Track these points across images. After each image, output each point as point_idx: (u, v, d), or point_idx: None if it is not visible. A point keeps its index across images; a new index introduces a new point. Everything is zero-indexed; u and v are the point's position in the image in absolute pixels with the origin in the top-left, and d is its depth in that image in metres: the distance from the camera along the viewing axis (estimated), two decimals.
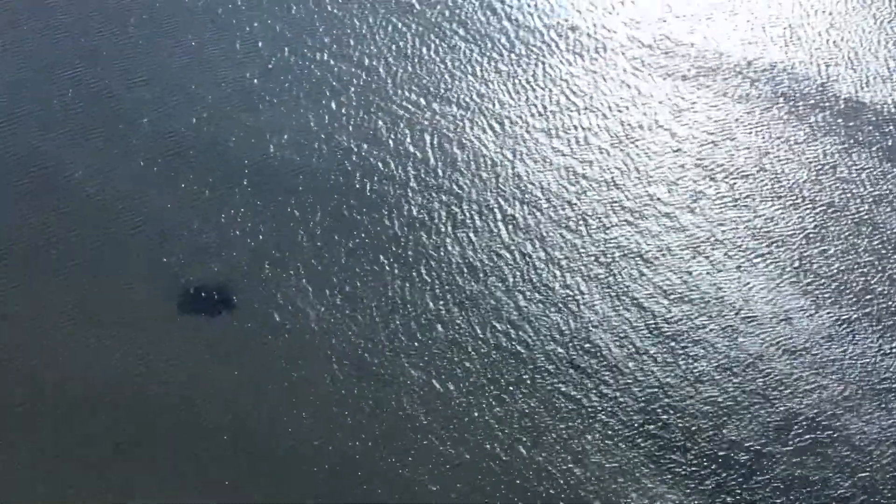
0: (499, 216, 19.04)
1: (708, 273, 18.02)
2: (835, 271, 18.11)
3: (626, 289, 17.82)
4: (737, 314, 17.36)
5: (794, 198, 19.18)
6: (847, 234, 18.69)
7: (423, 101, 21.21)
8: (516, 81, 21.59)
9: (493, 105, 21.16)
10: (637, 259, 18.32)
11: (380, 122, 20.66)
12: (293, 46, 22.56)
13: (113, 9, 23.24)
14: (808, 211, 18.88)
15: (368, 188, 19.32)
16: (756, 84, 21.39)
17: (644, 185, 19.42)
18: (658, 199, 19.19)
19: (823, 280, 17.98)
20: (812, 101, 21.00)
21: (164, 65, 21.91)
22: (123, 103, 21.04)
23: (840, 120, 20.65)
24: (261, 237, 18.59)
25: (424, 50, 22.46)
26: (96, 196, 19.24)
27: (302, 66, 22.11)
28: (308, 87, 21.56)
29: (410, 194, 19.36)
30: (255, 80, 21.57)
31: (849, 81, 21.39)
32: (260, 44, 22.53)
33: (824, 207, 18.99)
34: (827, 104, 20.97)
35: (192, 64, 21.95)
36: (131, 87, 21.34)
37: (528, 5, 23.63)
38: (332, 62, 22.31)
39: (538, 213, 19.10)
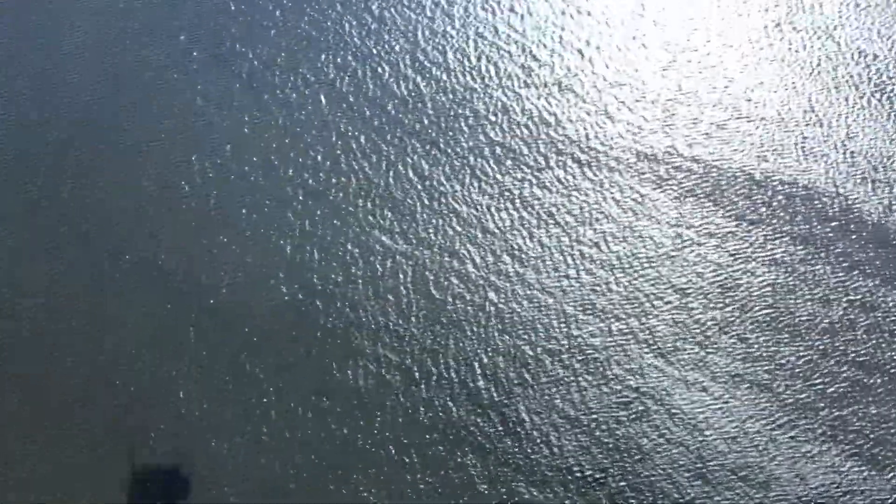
0: (478, 372, 16.58)
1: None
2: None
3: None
4: None
5: (823, 356, 16.71)
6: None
7: (399, 230, 18.76)
8: (502, 203, 19.16)
9: (477, 233, 18.64)
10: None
11: (349, 258, 18.32)
12: (260, 172, 20.30)
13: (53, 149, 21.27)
14: (844, 368, 16.50)
15: (333, 337, 16.91)
16: (771, 205, 18.83)
17: (650, 355, 16.82)
18: (658, 368, 16.82)
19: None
20: (834, 225, 18.41)
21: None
22: (75, 224, 19.01)
23: (870, 251, 18.06)
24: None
25: (401, 167, 19.99)
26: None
27: (267, 192, 19.83)
28: (277, 221, 19.28)
29: (381, 349, 16.96)
30: (217, 211, 19.37)
31: (874, 202, 18.78)
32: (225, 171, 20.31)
33: (856, 367, 16.63)
34: (852, 228, 18.45)
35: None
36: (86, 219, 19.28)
37: (517, 114, 20.96)
38: (298, 182, 19.88)
39: (525, 373, 16.78)
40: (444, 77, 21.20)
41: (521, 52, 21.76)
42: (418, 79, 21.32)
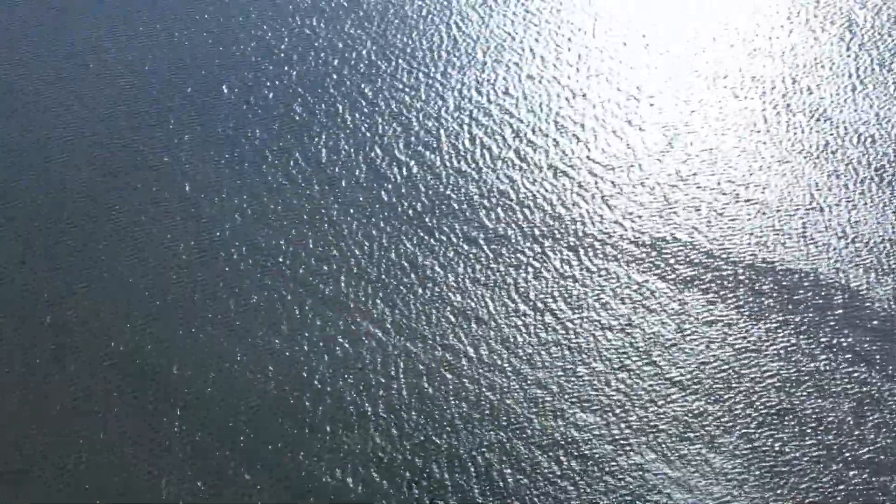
0: (472, 471, 15.87)
1: None
2: None
3: None
4: None
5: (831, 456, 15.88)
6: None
7: (391, 321, 17.94)
8: (496, 293, 18.37)
9: (472, 325, 17.82)
10: None
11: (339, 350, 17.52)
12: (248, 260, 19.47)
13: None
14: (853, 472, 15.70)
15: (322, 433, 16.08)
16: (774, 294, 18.08)
17: (650, 453, 15.95)
18: (659, 467, 15.88)
19: None
20: (840, 315, 17.62)
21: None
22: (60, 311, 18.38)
23: (877, 343, 17.19)
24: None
25: (393, 255, 19.24)
26: None
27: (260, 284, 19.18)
28: (264, 310, 18.52)
29: (370, 447, 16.00)
30: (204, 301, 18.65)
31: (880, 292, 17.99)
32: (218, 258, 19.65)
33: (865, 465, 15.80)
34: (859, 319, 17.63)
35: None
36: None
37: (512, 200, 20.24)
38: (289, 273, 19.19)
39: (520, 472, 15.96)
40: (438, 161, 20.73)
41: (516, 135, 21.41)
42: (412, 163, 20.92)
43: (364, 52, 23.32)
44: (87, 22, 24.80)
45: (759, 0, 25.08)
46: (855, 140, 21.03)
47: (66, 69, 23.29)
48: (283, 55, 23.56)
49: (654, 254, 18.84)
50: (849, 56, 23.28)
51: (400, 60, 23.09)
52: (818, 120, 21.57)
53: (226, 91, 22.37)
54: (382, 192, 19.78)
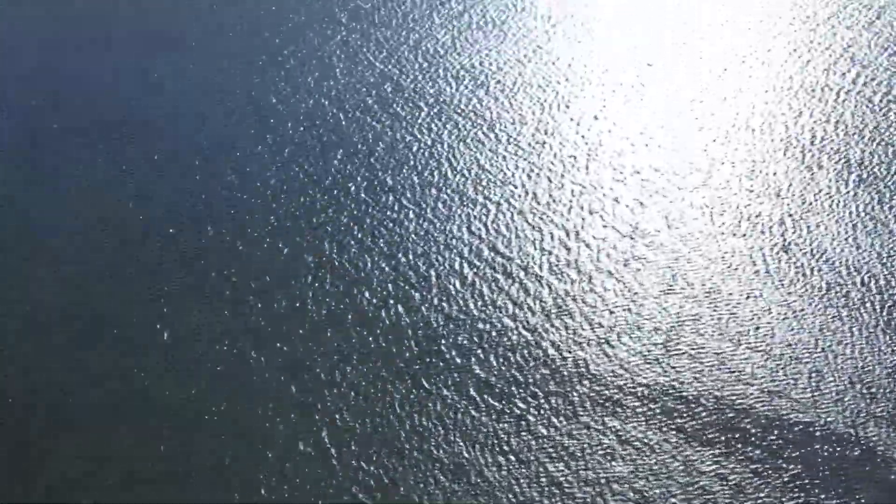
0: None
1: None
2: None
3: None
4: None
5: None
6: None
7: (380, 485, 16.60)
8: (489, 451, 17.10)
9: (465, 487, 16.41)
10: None
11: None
12: (234, 419, 18.49)
13: None
14: None
15: None
16: (787, 448, 16.94)
17: None
18: None
19: None
20: (856, 471, 16.49)
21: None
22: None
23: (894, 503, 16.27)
24: None
25: (382, 409, 17.96)
26: None
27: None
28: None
29: None
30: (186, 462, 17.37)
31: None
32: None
33: None
34: (877, 475, 16.47)
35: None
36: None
37: (507, 347, 19.24)
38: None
39: None
40: (428, 306, 19.89)
41: (509, 277, 20.72)
42: (400, 308, 20.08)
43: (353, 187, 22.81)
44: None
45: (752, 136, 24.85)
46: (859, 281, 20.36)
47: None
48: (269, 191, 23.06)
49: (657, 404, 17.90)
50: (847, 194, 22.87)
51: (389, 197, 22.56)
52: (826, 261, 20.98)
53: (211, 231, 21.75)
54: (370, 338, 18.95)
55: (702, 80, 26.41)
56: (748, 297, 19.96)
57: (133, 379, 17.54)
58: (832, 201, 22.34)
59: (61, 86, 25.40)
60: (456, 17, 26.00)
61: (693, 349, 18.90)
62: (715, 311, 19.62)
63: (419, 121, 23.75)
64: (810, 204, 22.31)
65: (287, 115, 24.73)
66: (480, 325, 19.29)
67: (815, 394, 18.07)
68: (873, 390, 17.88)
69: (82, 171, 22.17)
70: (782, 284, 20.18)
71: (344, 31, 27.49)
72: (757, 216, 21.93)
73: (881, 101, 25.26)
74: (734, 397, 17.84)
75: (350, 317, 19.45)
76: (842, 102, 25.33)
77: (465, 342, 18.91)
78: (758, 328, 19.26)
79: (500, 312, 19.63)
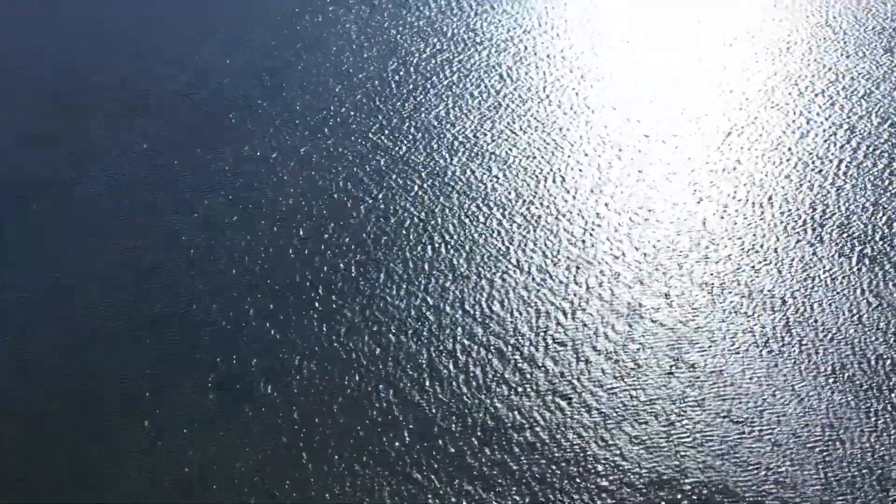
0: None
1: None
2: None
3: None
4: None
5: None
6: None
7: None
8: None
9: None
10: None
11: None
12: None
13: None
14: None
15: None
16: None
17: None
18: None
19: None
20: None
21: None
22: None
23: None
24: None
25: (376, 500, 17.07)
26: None
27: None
28: None
29: None
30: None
31: None
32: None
33: None
34: None
35: None
36: None
37: (504, 434, 18.24)
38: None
39: None
40: (421, 392, 18.93)
41: (504, 359, 19.99)
42: (391, 395, 19.14)
43: (342, 264, 22.20)
44: None
45: (753, 209, 24.37)
46: (866, 363, 19.69)
47: None
48: (257, 265, 22.50)
49: (658, 497, 17.09)
50: (852, 270, 22.31)
51: (381, 274, 21.94)
52: (832, 340, 20.33)
53: (196, 319, 21.11)
54: (360, 430, 18.17)
55: (701, 150, 26.02)
56: (753, 380, 19.25)
57: None
58: (836, 277, 21.78)
59: None
60: (450, 87, 25.66)
61: (697, 436, 18.16)
62: (720, 394, 18.90)
63: (412, 193, 23.27)
64: (814, 280, 21.74)
65: (276, 187, 24.25)
66: (474, 411, 18.52)
67: (827, 485, 17.29)
68: (888, 481, 17.11)
69: None
70: (788, 366, 19.49)
71: (336, 100, 27.14)
72: (760, 293, 21.31)
73: (883, 172, 24.83)
74: (742, 488, 17.05)
75: (339, 400, 18.73)
76: (843, 174, 24.89)
77: (458, 430, 18.11)
78: (764, 413, 18.55)
79: (495, 397, 18.86)
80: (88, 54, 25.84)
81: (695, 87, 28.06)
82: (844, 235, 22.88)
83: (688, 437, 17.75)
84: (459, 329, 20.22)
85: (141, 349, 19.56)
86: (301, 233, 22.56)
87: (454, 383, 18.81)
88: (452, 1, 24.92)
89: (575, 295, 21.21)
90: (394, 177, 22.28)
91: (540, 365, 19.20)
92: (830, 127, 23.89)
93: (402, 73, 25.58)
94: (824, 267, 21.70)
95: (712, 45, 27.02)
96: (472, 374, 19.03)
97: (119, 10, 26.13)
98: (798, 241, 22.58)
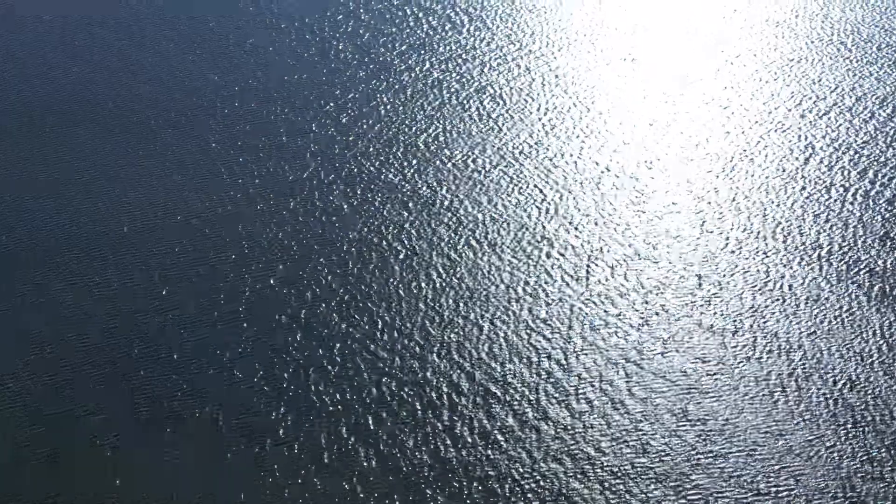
0: None
1: None
2: None
3: None
4: None
5: None
6: None
7: None
8: None
9: None
10: None
11: None
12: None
13: None
14: None
15: None
16: None
17: None
18: None
19: None
20: None
21: None
22: None
23: None
24: None
25: None
26: None
27: None
28: None
29: None
30: None
31: None
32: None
33: None
34: None
35: None
36: None
37: None
38: None
39: None
40: (413, 444, 17.31)
41: (504, 407, 18.32)
42: (381, 444, 17.53)
43: (334, 303, 20.83)
44: None
45: (763, 243, 23.17)
46: (888, 414, 18.53)
47: None
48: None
49: None
50: (868, 310, 21.20)
51: (373, 316, 20.58)
52: (844, 389, 19.06)
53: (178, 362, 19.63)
54: (345, 484, 16.73)
55: (703, 178, 24.83)
56: (768, 433, 17.98)
57: None
58: (851, 318, 20.59)
59: None
60: (450, 109, 24.45)
61: (709, 495, 16.96)
62: (732, 449, 17.60)
63: (406, 224, 21.98)
64: (829, 322, 20.55)
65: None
66: (472, 467, 17.26)
67: None
68: None
69: None
70: (804, 418, 18.23)
71: (322, 120, 25.91)
72: (774, 336, 20.03)
73: (893, 202, 23.74)
74: None
75: (328, 458, 17.45)
76: (851, 203, 23.82)
77: (455, 488, 16.86)
78: (781, 470, 17.30)
79: (494, 450, 17.59)
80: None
81: (695, 108, 26.95)
82: (856, 271, 21.68)
83: (698, 496, 16.41)
84: (455, 375, 18.82)
85: None
86: (289, 262, 21.24)
87: (451, 435, 17.38)
88: (445, 19, 23.71)
89: (577, 337, 19.93)
90: (378, 205, 20.93)
91: (540, 415, 17.85)
92: (835, 151, 22.83)
93: (390, 92, 24.38)
94: (840, 307, 20.42)
95: (712, 62, 25.96)
96: (469, 425, 17.63)
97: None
98: (809, 279, 21.36)
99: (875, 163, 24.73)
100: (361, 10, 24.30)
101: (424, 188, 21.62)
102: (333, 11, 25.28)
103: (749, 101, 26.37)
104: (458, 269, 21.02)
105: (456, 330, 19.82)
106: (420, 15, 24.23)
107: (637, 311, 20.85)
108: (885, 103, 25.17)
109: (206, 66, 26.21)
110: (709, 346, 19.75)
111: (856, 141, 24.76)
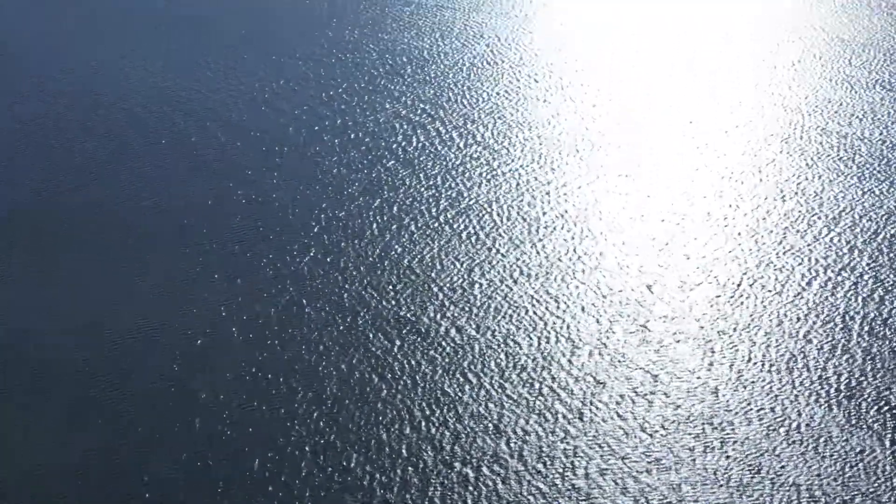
0: None
1: None
2: None
3: None
4: None
5: None
6: None
7: None
8: None
9: None
10: None
11: None
12: None
13: None
14: None
15: None
16: None
17: None
18: None
19: None
20: None
21: None
22: None
23: None
24: None
25: None
26: None
27: None
28: None
29: None
30: None
31: None
32: None
33: None
34: None
35: None
36: None
37: None
38: None
39: None
40: None
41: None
42: None
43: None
44: None
45: (773, 378, 21.57)
46: None
47: None
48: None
49: None
50: (884, 454, 19.33)
51: (350, 460, 18.90)
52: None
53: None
54: None
55: (710, 300, 23.40)
56: None
57: None
58: (878, 476, 18.72)
59: None
60: (438, 229, 23.29)
61: None
62: None
63: (390, 356, 20.43)
64: (853, 478, 18.66)
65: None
66: None
67: None
68: None
69: None
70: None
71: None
72: (790, 486, 18.04)
73: None
74: None
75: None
76: (868, 333, 22.26)
77: None
78: None
79: None
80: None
81: (698, 228, 25.84)
82: (881, 414, 19.89)
83: None
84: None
85: None
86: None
87: None
88: (434, 134, 22.90)
89: (573, 490, 18.00)
90: (360, 331, 19.44)
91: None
92: (849, 275, 21.46)
93: (377, 211, 23.27)
94: (861, 460, 18.62)
95: (714, 179, 25.00)
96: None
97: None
98: (825, 421, 19.53)
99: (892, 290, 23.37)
100: (349, 125, 23.51)
101: (418, 312, 20.15)
102: (321, 127, 24.49)
103: (754, 220, 25.34)
104: (444, 408, 19.43)
105: (441, 479, 18.07)
106: (409, 131, 23.39)
107: (643, 455, 19.04)
108: (891, 220, 24.23)
109: None
110: (719, 501, 17.91)
111: (864, 262, 23.51)
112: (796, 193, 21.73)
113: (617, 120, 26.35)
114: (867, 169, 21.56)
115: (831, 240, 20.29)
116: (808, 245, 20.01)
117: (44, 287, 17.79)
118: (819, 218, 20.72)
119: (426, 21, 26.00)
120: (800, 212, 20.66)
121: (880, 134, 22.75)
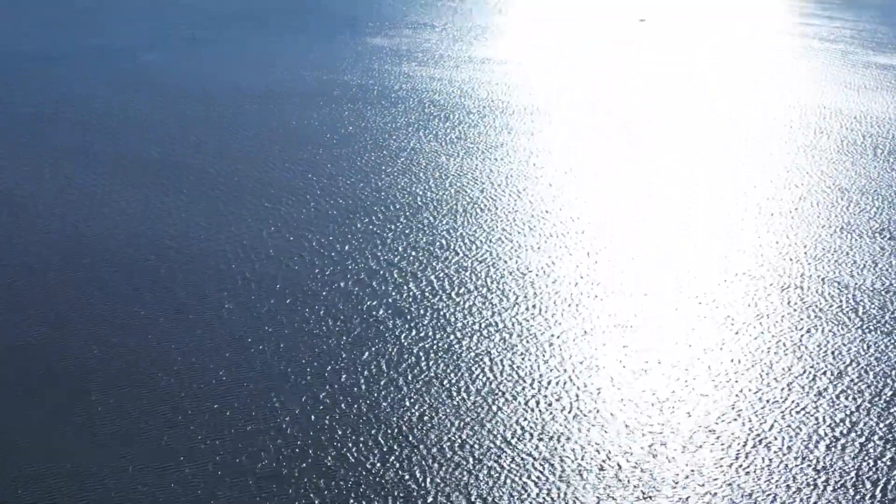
0: None
1: None
2: None
3: None
4: None
5: None
6: None
7: None
8: None
9: None
10: None
11: None
12: None
13: None
14: None
15: None
16: None
17: None
18: None
19: None
20: None
21: None
22: None
23: None
24: None
25: None
26: None
27: None
28: None
29: None
30: None
31: None
32: None
33: None
34: None
35: None
36: None
37: None
38: None
39: None
40: None
41: None
42: None
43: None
44: None
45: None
46: None
47: None
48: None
49: None
50: None
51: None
52: None
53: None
54: None
55: (719, 469, 22.18)
56: None
57: None
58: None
59: None
60: (432, 385, 22.37)
61: None
62: None
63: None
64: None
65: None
66: None
67: None
68: None
69: None
70: None
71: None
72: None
73: None
74: None
75: None
76: (881, 500, 20.92)
77: None
78: None
79: None
80: None
81: (701, 384, 24.86)
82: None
83: None
84: None
85: None
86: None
87: None
88: (427, 283, 22.40)
89: None
90: (352, 497, 18.05)
91: None
92: (858, 436, 20.35)
93: (370, 366, 22.40)
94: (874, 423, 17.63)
95: (717, 331, 24.35)
96: None
97: None
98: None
99: None
100: (338, 277, 23.07)
101: (406, 476, 18.88)
102: (311, 276, 24.00)
103: (758, 375, 24.49)
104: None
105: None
106: (400, 280, 22.89)
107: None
108: None
109: None
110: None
111: (879, 422, 22.44)
112: (798, 346, 20.93)
113: (613, 268, 25.78)
114: (877, 322, 20.85)
115: (836, 397, 19.30)
116: (814, 402, 19.01)
117: None
118: (830, 374, 19.78)
119: (420, 167, 25.88)
120: (808, 367, 19.73)
121: (890, 285, 22.09)
